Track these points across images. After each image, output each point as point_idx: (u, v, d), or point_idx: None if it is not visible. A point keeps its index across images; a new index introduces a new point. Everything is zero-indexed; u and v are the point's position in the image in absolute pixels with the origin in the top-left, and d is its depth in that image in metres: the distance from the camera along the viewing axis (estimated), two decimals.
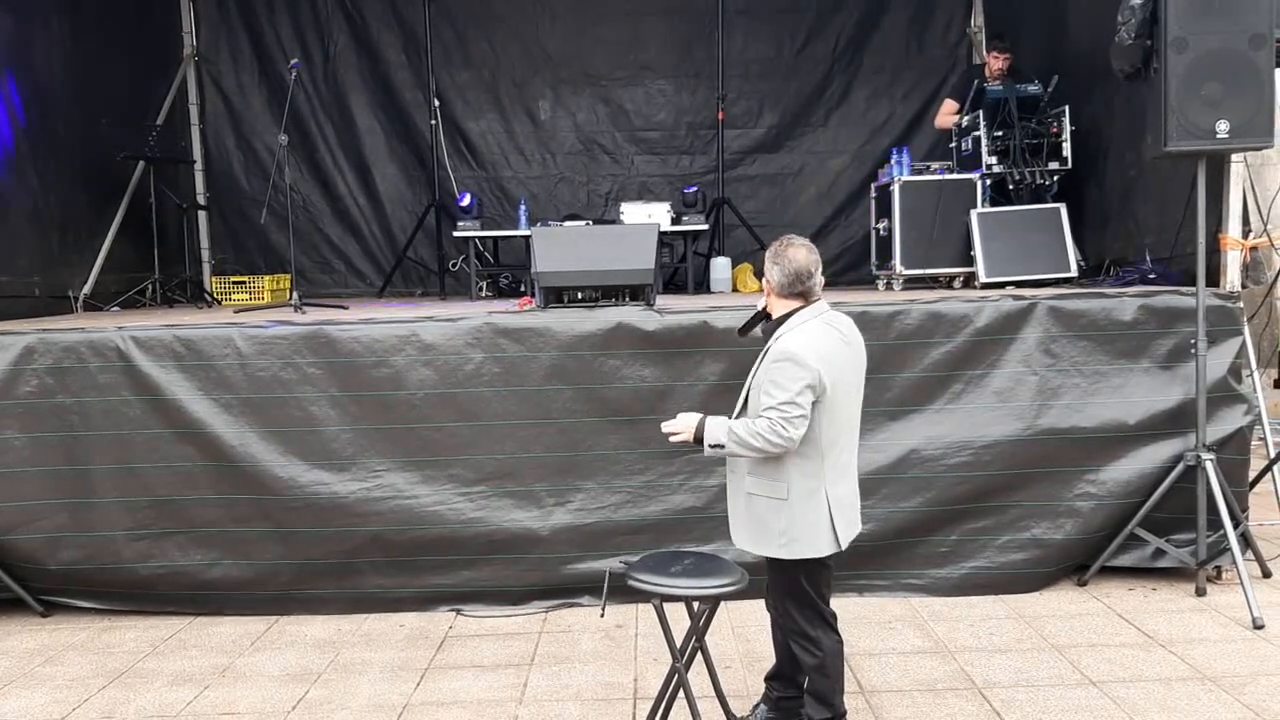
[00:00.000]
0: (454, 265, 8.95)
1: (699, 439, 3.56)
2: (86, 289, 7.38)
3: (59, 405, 5.42)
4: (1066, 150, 6.88)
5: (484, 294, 8.20)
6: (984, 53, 8.15)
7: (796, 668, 3.75)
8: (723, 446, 3.50)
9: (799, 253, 3.61)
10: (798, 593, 3.65)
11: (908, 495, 5.49)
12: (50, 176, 7.00)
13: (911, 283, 7.01)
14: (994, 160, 6.96)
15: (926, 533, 5.54)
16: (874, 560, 5.45)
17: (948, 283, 7.00)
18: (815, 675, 3.63)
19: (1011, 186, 7.00)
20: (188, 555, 5.49)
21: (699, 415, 3.62)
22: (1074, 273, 6.55)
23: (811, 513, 3.54)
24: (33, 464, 5.43)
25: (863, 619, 5.21)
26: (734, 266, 8.15)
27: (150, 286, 7.74)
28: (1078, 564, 5.66)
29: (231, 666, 4.90)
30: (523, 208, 8.29)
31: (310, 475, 5.42)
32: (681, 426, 3.62)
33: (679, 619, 3.76)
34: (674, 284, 8.14)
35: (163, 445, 5.43)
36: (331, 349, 5.46)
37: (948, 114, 7.77)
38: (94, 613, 5.62)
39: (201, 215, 9.12)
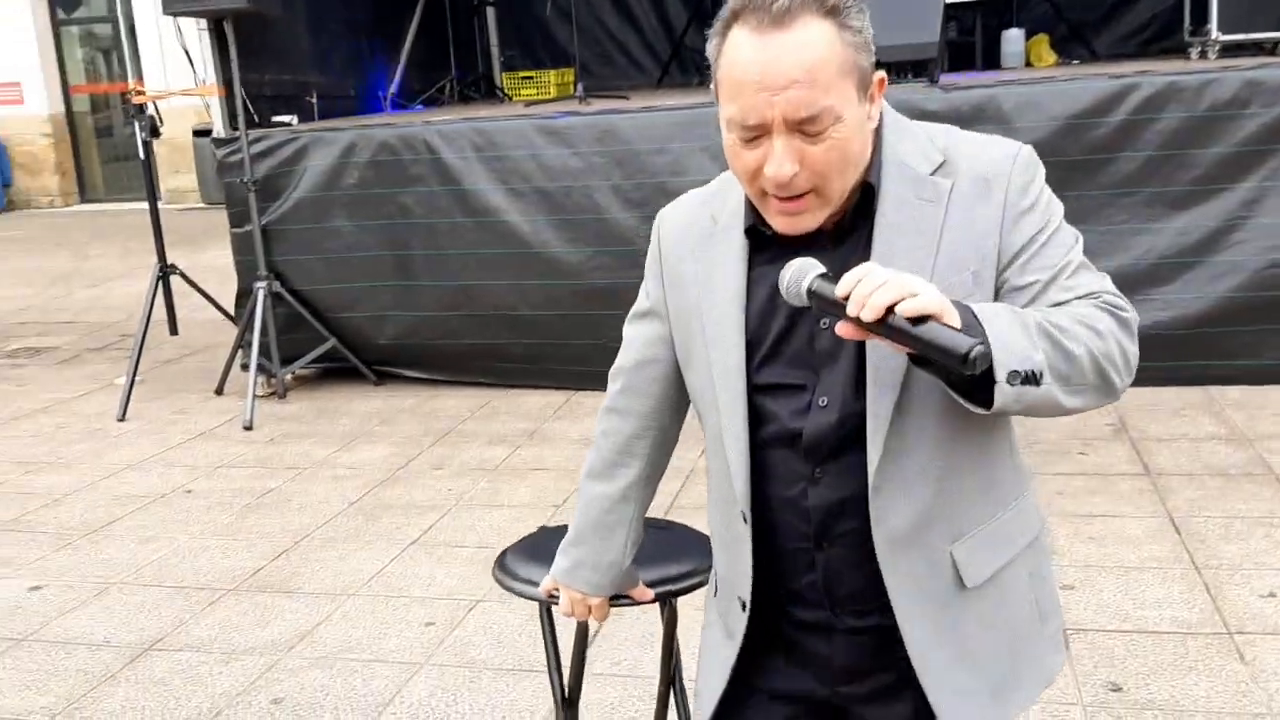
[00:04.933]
0: None
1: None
2: (392, 88, 7.91)
3: (377, 195, 5.97)
4: None
5: None
6: None
7: None
8: (1037, 381, 1.29)
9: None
10: None
11: (1211, 281, 5.16)
12: None
13: (1229, 50, 6.33)
14: None
15: (1230, 321, 5.21)
16: (1168, 349, 5.21)
17: (1272, 49, 6.27)
18: None
19: None
20: (492, 334, 6.01)
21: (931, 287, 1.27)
22: None
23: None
24: (360, 249, 6.05)
25: (1154, 405, 5.05)
26: (1028, 38, 7.62)
27: (448, 85, 8.19)
28: None
29: (538, 431, 5.43)
30: None
31: (595, 261, 5.74)
32: (916, 290, 1.24)
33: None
34: (961, 59, 7.72)
35: (466, 232, 5.89)
36: (615, 137, 5.66)
37: None
38: (419, 382, 6.31)
39: (490, 13, 9.44)
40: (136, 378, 6.13)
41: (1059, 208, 1.48)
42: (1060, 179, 5.17)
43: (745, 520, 1.53)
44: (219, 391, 6.28)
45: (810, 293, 1.32)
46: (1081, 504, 4.09)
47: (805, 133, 1.34)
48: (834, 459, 1.45)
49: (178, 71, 9.78)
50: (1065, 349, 1.32)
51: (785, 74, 1.31)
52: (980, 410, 1.31)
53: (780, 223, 1.42)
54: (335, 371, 6.40)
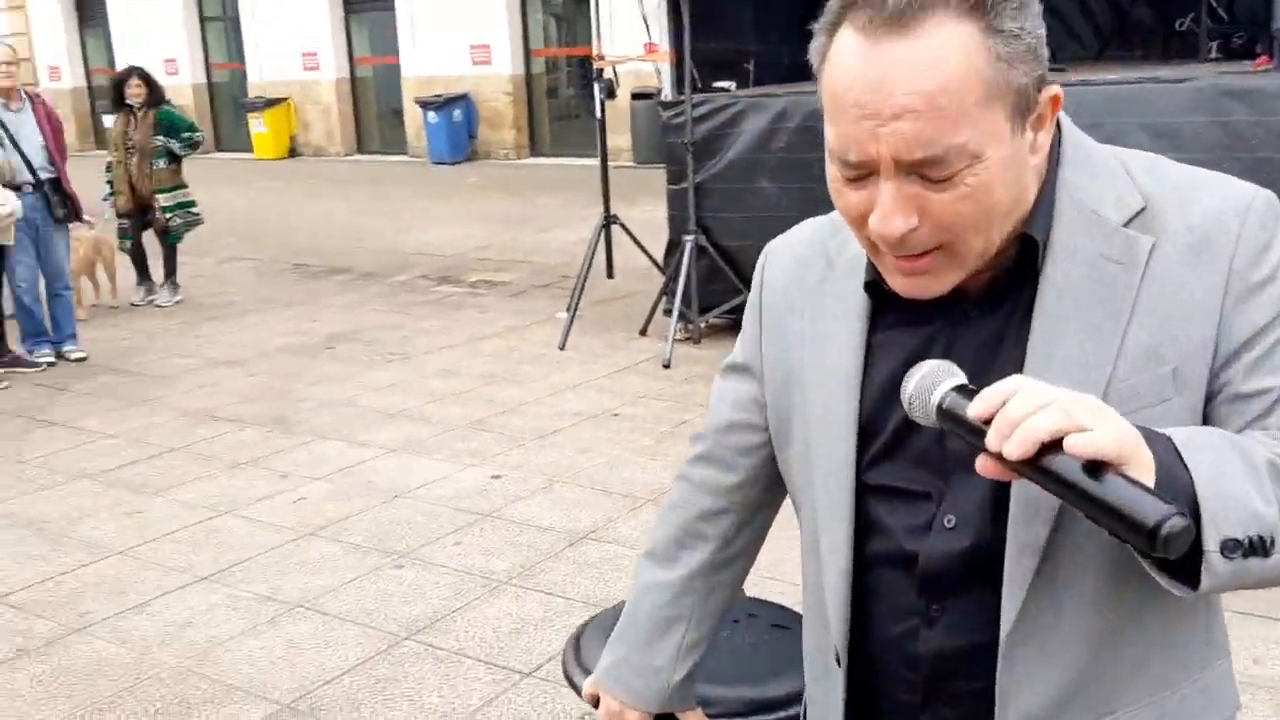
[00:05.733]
0: (1181, 25, 8.33)
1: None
2: None
3: (801, 160, 6.31)
4: None
5: (1213, 55, 7.58)
6: None
7: None
8: (1267, 549, 0.89)
9: None
10: None
11: None
12: None
13: None
14: None
15: None
16: None
17: None
18: None
19: None
20: None
21: (1119, 419, 0.87)
22: None
23: None
24: (779, 209, 6.44)
25: None
26: None
27: None
28: None
29: None
30: None
31: None
32: (1089, 423, 0.85)
33: None
34: None
35: None
36: None
37: None
38: None
39: None
40: (576, 313, 6.94)
41: None
42: None
43: (838, 663, 1.17)
44: (643, 332, 6.95)
45: (941, 410, 0.94)
46: None
47: (926, 177, 0.95)
48: (958, 595, 1.08)
49: (624, 40, 10.70)
50: None
51: (897, 100, 0.93)
52: (1182, 592, 0.90)
53: (898, 284, 1.04)
54: None
